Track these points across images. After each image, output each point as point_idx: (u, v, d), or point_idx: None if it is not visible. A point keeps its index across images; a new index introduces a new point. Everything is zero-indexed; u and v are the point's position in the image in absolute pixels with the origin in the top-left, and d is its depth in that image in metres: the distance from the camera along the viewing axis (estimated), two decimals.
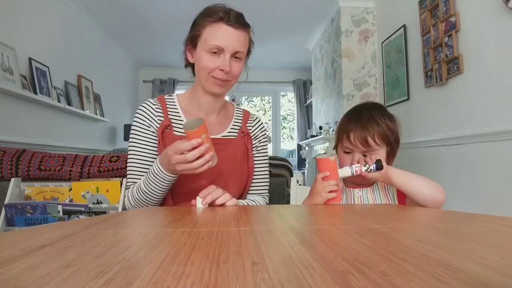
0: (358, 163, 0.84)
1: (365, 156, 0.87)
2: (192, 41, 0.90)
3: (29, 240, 0.38)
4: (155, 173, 0.81)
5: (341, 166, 0.89)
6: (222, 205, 0.79)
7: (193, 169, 0.75)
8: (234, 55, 0.88)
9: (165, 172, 0.79)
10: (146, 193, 0.83)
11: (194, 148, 0.74)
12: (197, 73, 0.92)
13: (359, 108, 0.95)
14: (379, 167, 0.81)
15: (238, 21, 0.86)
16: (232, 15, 0.86)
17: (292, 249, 0.34)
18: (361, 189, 0.93)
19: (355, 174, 0.82)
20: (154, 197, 0.84)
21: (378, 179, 0.83)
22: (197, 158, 0.74)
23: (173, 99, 0.98)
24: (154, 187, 0.82)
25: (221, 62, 0.86)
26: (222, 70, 0.86)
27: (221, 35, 0.85)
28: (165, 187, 0.83)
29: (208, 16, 0.87)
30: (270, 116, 5.99)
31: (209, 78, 0.88)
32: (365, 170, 0.81)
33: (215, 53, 0.86)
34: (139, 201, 0.86)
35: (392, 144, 0.89)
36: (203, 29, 0.87)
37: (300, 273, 0.26)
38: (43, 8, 2.79)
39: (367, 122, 0.87)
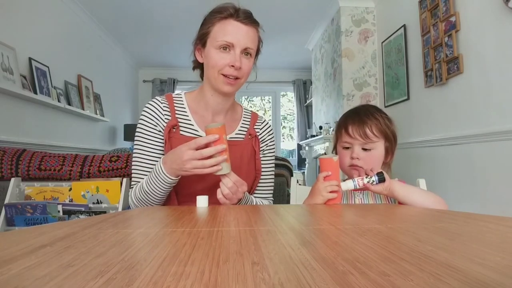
0: (359, 176, 0.84)
1: (365, 150, 0.88)
2: (201, 39, 0.89)
3: (29, 240, 0.38)
4: (157, 174, 0.81)
5: (341, 163, 0.89)
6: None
7: (203, 167, 0.75)
8: (244, 52, 0.87)
9: (166, 174, 0.79)
10: (148, 193, 0.83)
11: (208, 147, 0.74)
12: (207, 72, 0.90)
13: (356, 108, 0.97)
14: (381, 179, 0.80)
15: (247, 17, 0.87)
16: (241, 11, 0.87)
17: (292, 249, 0.34)
18: (362, 191, 0.93)
19: (358, 186, 0.82)
20: (156, 198, 0.84)
21: (382, 193, 0.83)
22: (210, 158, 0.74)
23: (181, 98, 0.97)
24: (155, 188, 0.82)
25: (231, 58, 0.85)
26: (232, 66, 0.85)
27: (231, 30, 0.85)
28: (166, 189, 0.82)
29: (218, 12, 0.87)
30: (270, 116, 5.99)
31: (219, 76, 0.87)
32: (367, 182, 0.81)
33: (225, 49, 0.85)
34: (142, 201, 0.85)
35: (390, 138, 0.90)
36: (213, 26, 0.87)
37: (300, 273, 0.26)
38: (43, 8, 2.79)
39: (364, 116, 0.90)
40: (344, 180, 0.85)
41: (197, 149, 0.75)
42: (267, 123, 1.07)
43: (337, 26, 3.40)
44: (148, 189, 0.83)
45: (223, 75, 0.86)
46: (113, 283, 0.23)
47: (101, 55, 4.02)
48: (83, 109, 3.36)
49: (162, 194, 0.83)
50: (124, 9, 3.49)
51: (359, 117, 0.90)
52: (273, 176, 1.04)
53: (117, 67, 4.60)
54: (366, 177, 0.81)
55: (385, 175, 0.81)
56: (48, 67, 2.80)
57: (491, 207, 1.79)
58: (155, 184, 0.81)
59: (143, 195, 0.84)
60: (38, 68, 2.67)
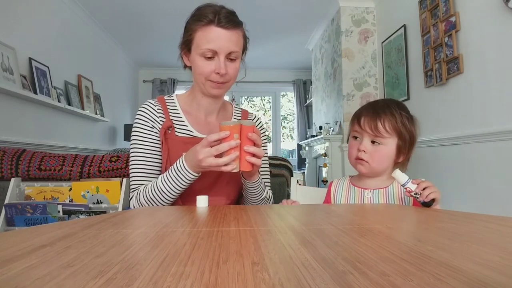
0: (414, 183, 0.76)
1: (374, 144, 0.85)
2: (186, 45, 0.91)
3: (29, 240, 0.38)
4: (178, 170, 0.81)
5: (348, 154, 0.90)
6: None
7: (218, 165, 0.75)
8: (229, 56, 0.87)
9: (188, 169, 0.80)
10: (163, 191, 0.83)
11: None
12: (195, 77, 0.92)
13: (376, 100, 0.93)
14: (427, 205, 0.74)
15: (228, 21, 0.85)
16: (222, 15, 0.85)
17: (292, 249, 0.34)
18: (372, 190, 0.88)
19: (405, 188, 0.75)
20: (170, 196, 0.83)
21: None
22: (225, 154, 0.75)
23: (173, 99, 0.99)
24: (173, 185, 0.82)
25: (216, 65, 0.86)
26: (218, 73, 0.86)
27: (213, 38, 0.84)
28: (185, 186, 0.83)
29: (198, 20, 0.86)
30: (270, 116, 5.99)
31: (207, 82, 0.89)
32: (414, 195, 0.74)
33: (209, 57, 0.86)
34: (152, 200, 0.84)
35: (404, 137, 0.85)
36: (195, 33, 0.86)
37: (300, 273, 0.26)
38: (43, 8, 2.79)
39: (379, 109, 0.86)
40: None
41: (211, 145, 0.76)
42: (258, 119, 1.09)
43: (337, 26, 3.40)
44: (165, 186, 0.82)
45: (210, 81, 0.88)
46: (113, 283, 0.23)
47: (101, 55, 4.02)
48: (83, 109, 3.36)
49: (179, 191, 0.83)
50: (124, 9, 3.48)
51: (374, 109, 0.86)
52: (268, 170, 1.07)
53: (117, 67, 4.59)
54: (417, 194, 0.74)
55: (438, 204, 0.75)
56: (48, 67, 2.80)
57: (491, 207, 1.79)
58: (175, 182, 0.82)
59: (157, 194, 0.83)
60: (38, 68, 2.67)
